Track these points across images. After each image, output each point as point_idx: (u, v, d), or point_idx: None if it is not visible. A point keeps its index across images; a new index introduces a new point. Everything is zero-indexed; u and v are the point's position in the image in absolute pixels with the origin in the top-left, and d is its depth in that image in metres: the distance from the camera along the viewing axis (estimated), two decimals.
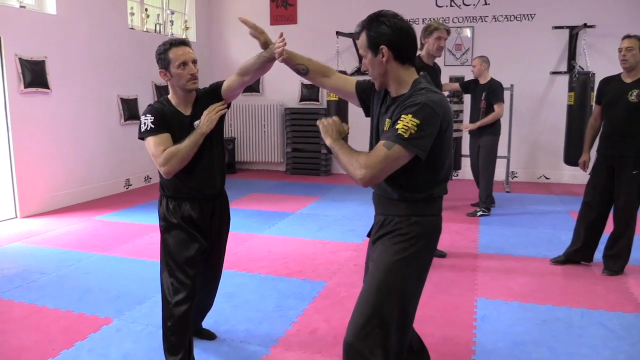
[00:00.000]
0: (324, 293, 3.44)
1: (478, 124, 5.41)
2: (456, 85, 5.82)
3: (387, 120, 1.79)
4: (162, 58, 2.22)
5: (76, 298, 3.34)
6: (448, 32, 3.82)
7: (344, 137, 1.85)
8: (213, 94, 2.33)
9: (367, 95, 2.01)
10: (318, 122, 1.90)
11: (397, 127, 1.66)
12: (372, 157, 1.69)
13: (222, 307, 3.12)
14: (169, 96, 2.32)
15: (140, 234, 4.83)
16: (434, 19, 7.51)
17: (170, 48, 2.21)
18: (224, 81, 2.35)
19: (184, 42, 2.25)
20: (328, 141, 1.83)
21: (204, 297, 2.63)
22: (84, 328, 2.91)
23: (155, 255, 4.17)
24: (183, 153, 2.18)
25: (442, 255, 4.10)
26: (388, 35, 1.75)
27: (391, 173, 1.71)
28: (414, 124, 1.64)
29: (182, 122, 2.27)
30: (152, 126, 2.20)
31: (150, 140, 2.21)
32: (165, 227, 2.38)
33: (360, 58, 8.01)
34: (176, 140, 2.22)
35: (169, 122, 2.24)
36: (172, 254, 2.34)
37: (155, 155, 2.20)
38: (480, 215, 5.41)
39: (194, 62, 2.24)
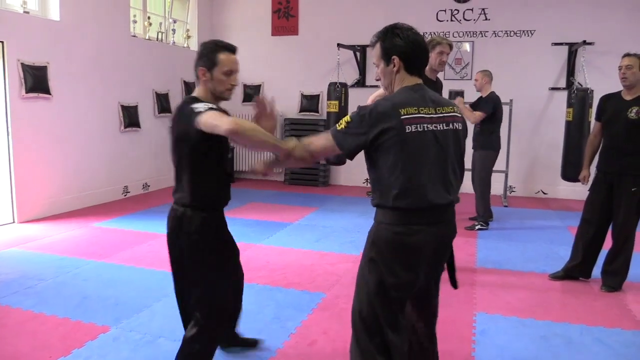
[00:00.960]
0: (323, 305, 3.43)
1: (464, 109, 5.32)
2: (481, 115, 5.39)
3: None
4: (210, 58, 2.11)
5: (73, 305, 3.32)
6: (450, 46, 3.83)
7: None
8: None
9: None
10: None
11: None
12: (318, 138, 1.97)
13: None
14: (197, 95, 2.17)
15: (138, 242, 4.81)
16: (434, 33, 7.59)
17: (222, 50, 2.12)
18: None
19: (235, 50, 2.17)
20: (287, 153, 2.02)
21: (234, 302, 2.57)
22: (81, 336, 2.89)
23: (153, 263, 4.19)
24: (253, 132, 1.94)
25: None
26: (401, 47, 1.85)
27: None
28: (346, 121, 1.85)
29: None
30: (209, 105, 2.01)
31: (210, 112, 1.96)
32: (201, 248, 2.18)
33: (362, 68, 8.09)
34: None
35: None
36: (214, 277, 2.22)
37: (217, 124, 1.91)
38: (478, 229, 5.42)
39: (237, 72, 2.19)
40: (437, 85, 3.90)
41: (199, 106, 2.01)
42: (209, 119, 1.94)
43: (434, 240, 1.85)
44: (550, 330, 3.05)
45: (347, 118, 1.85)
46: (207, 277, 2.19)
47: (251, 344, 2.77)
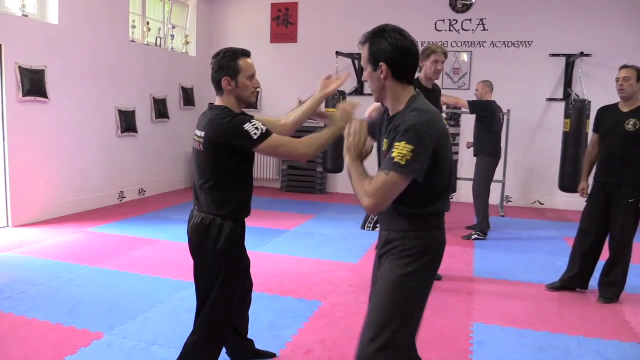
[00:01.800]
0: (319, 313, 3.40)
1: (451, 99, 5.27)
2: (464, 102, 5.44)
3: (385, 140, 1.83)
4: (230, 66, 2.15)
5: (67, 311, 3.28)
6: (445, 55, 3.83)
7: (365, 157, 1.87)
8: None
9: (376, 129, 2.03)
10: (348, 127, 1.89)
11: (392, 154, 1.69)
12: (372, 185, 1.72)
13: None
14: (224, 104, 2.20)
15: (133, 247, 4.78)
16: (432, 42, 7.62)
17: (240, 57, 2.17)
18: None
19: (250, 54, 2.23)
20: (346, 159, 1.85)
21: (240, 317, 2.56)
22: (74, 342, 2.85)
23: (147, 269, 4.15)
24: (321, 141, 2.19)
25: (437, 278, 4.06)
26: (388, 52, 1.78)
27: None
28: (408, 149, 1.67)
29: None
30: (264, 127, 2.11)
31: (272, 141, 2.11)
32: (228, 259, 2.22)
33: (360, 76, 8.10)
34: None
35: None
36: (228, 293, 2.25)
37: (288, 152, 2.17)
38: (475, 239, 5.41)
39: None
40: (434, 93, 3.90)
41: (253, 127, 2.08)
42: (278, 146, 2.13)
43: None
44: (548, 342, 3.03)
45: (407, 147, 1.66)
46: (220, 286, 2.19)
47: (265, 356, 2.73)
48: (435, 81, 3.97)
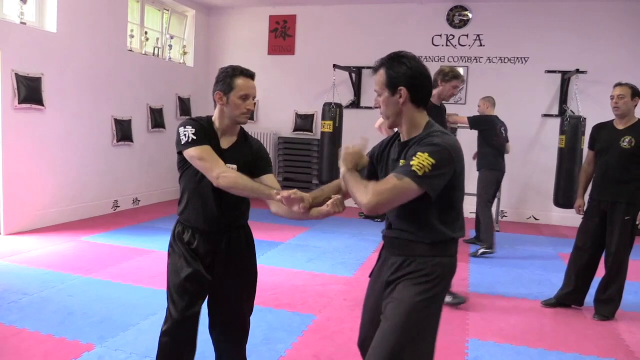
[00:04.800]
0: (313, 327, 3.37)
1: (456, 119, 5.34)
2: (464, 119, 5.55)
3: (402, 161, 1.78)
4: (227, 82, 2.13)
5: (57, 321, 3.23)
6: (463, 82, 3.91)
7: (359, 169, 1.87)
8: (261, 162, 2.27)
9: (375, 160, 2.00)
10: (343, 147, 1.91)
11: (411, 162, 1.67)
12: (380, 185, 1.72)
13: (207, 338, 3.03)
14: (213, 118, 2.21)
15: (126, 258, 4.73)
16: (429, 57, 7.68)
17: (239, 75, 2.13)
18: (267, 170, 2.30)
19: (252, 76, 2.18)
20: (342, 169, 1.84)
21: (224, 349, 2.41)
22: (64, 354, 2.80)
23: (141, 280, 4.11)
24: (239, 187, 2.06)
25: (462, 301, 3.84)
26: (408, 77, 1.77)
27: (400, 209, 1.76)
28: (430, 163, 1.66)
29: (216, 150, 2.13)
30: (194, 137, 2.09)
31: (194, 151, 2.08)
32: (169, 252, 2.29)
33: (357, 90, 8.13)
34: None
35: (208, 137, 2.13)
36: (168, 280, 2.24)
37: (207, 169, 2.06)
38: (482, 254, 5.36)
39: (254, 97, 2.18)
40: (441, 110, 3.91)
41: (182, 134, 2.10)
42: (196, 160, 2.08)
43: None
44: (544, 359, 3.01)
45: (428, 160, 1.66)
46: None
47: None
48: None
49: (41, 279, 4.01)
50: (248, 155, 2.23)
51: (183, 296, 2.16)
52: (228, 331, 2.37)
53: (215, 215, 2.18)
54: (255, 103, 2.21)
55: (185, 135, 2.10)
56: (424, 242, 1.79)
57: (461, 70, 7.65)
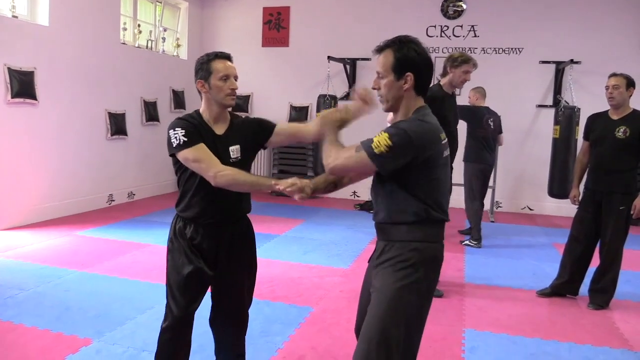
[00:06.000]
0: (310, 319, 3.38)
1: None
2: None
3: None
4: (204, 68, 2.11)
5: (54, 316, 3.23)
6: (475, 66, 3.72)
7: (341, 124, 1.93)
8: (259, 128, 2.25)
9: None
10: (320, 114, 2.00)
11: (373, 138, 1.72)
12: (342, 152, 1.80)
13: (204, 331, 3.04)
14: (201, 110, 2.19)
15: (122, 252, 4.73)
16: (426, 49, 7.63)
17: (214, 59, 2.11)
18: (274, 123, 2.27)
19: (228, 57, 2.16)
20: (323, 128, 1.93)
21: (225, 341, 2.42)
22: (61, 349, 2.80)
23: (137, 274, 4.11)
24: (239, 183, 2.05)
25: (439, 294, 3.75)
26: (417, 63, 1.75)
27: (378, 190, 1.83)
28: (386, 144, 1.69)
29: (212, 139, 2.12)
30: (185, 139, 2.05)
31: (187, 153, 2.05)
32: (169, 248, 2.27)
33: (351, 81, 8.09)
34: None
35: (200, 134, 2.10)
36: (168, 276, 2.23)
37: (203, 170, 2.04)
38: (466, 245, 5.41)
39: (236, 77, 2.15)
40: (454, 99, 3.85)
41: (173, 137, 2.08)
42: (190, 162, 2.07)
43: None
44: (540, 348, 3.04)
45: (386, 141, 1.67)
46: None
47: None
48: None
49: (37, 274, 4.00)
50: (245, 131, 2.22)
51: (184, 293, 2.17)
52: (230, 322, 2.38)
53: (220, 208, 2.18)
54: (236, 83, 2.16)
55: (176, 138, 2.07)
56: (404, 224, 1.78)
57: None
